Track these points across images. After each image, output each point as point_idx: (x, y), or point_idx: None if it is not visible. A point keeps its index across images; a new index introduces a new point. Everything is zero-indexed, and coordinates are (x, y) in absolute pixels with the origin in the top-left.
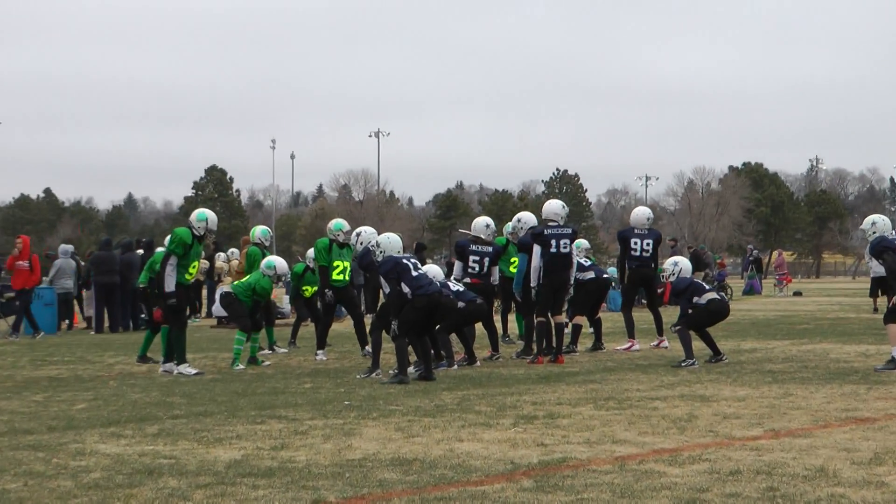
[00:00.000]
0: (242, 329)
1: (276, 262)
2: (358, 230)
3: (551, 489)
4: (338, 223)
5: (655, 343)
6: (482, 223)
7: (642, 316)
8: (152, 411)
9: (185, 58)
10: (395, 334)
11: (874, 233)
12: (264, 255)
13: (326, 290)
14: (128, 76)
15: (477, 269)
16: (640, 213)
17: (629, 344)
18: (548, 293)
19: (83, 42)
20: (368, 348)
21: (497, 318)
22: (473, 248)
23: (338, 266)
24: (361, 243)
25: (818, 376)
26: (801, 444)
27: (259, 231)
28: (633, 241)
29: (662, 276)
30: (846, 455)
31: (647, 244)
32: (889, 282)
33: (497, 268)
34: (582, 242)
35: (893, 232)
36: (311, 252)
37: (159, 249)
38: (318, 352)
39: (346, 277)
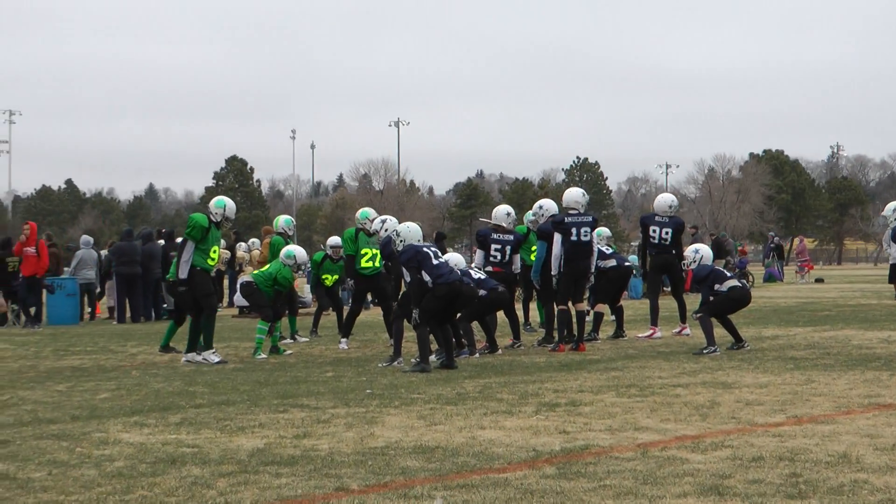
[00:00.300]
0: (264, 318)
1: (296, 251)
2: (384, 217)
3: (574, 476)
4: (364, 212)
5: (677, 330)
6: (503, 211)
7: (665, 303)
8: (175, 400)
9: (206, 48)
10: (417, 323)
11: (895, 220)
12: (287, 245)
13: (349, 280)
14: (149, 67)
15: (499, 257)
16: (663, 200)
17: (651, 332)
18: (569, 281)
19: (103, 33)
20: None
21: (518, 307)
22: (494, 236)
23: (366, 253)
24: (386, 230)
25: (840, 363)
26: (824, 430)
27: (282, 220)
28: (651, 228)
29: (683, 264)
30: (869, 441)
31: (666, 232)
32: None
33: (518, 256)
34: (603, 230)
35: None
36: (330, 240)
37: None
38: (342, 340)
39: (377, 265)
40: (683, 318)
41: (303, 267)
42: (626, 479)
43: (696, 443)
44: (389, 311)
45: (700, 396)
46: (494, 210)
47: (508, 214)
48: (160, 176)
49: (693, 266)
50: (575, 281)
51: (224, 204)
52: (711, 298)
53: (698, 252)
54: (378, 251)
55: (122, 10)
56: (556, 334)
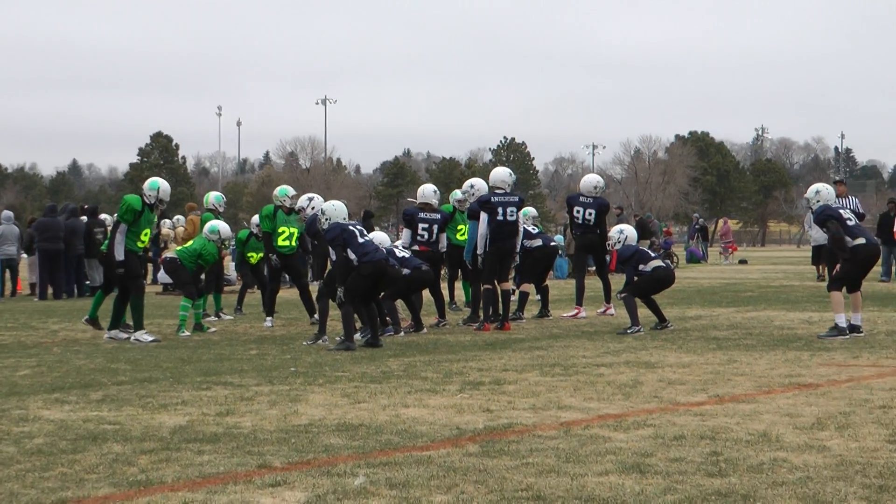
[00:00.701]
0: (187, 295)
1: (220, 226)
2: (310, 195)
3: (496, 454)
4: (283, 189)
5: (602, 310)
6: (430, 190)
7: (590, 283)
8: (97, 377)
9: (132, 23)
10: (342, 301)
11: (818, 201)
12: (277, 214)
13: (271, 255)
14: (74, 40)
15: (426, 236)
16: (588, 181)
17: (576, 311)
18: (494, 261)
19: (26, 4)
20: (316, 316)
21: (444, 286)
22: (422, 215)
23: (283, 232)
24: (313, 208)
25: (762, 343)
26: (745, 409)
27: (213, 197)
28: (576, 208)
29: (608, 245)
30: (789, 420)
31: (590, 213)
32: (833, 250)
33: (444, 235)
34: (529, 210)
35: (838, 200)
36: (255, 218)
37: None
38: (267, 318)
39: (293, 244)
40: (608, 298)
41: (227, 242)
42: (549, 457)
43: (619, 421)
44: (305, 289)
45: (623, 376)
46: (421, 188)
47: (435, 192)
48: (84, 152)
49: (618, 246)
50: (500, 260)
51: (158, 186)
52: (636, 279)
53: (623, 233)
54: (296, 230)
55: None
56: (481, 313)
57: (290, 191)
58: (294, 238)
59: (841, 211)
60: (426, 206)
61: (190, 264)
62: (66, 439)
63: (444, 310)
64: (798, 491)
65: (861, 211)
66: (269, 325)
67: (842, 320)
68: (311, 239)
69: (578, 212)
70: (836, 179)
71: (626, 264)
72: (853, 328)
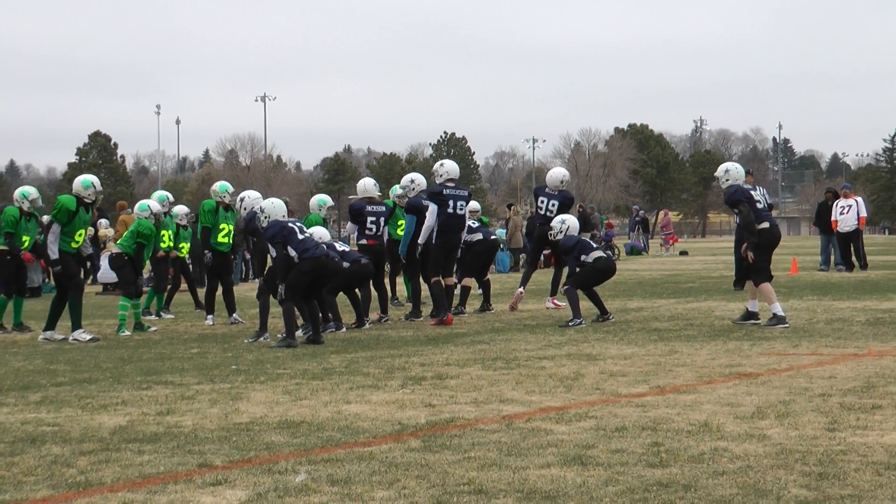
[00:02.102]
0: (126, 295)
1: (149, 202)
2: (242, 195)
3: (438, 448)
4: (222, 185)
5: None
6: (370, 183)
7: (535, 276)
8: (35, 379)
9: (69, 21)
10: (283, 298)
11: (727, 181)
12: (219, 210)
13: (206, 252)
14: (10, 39)
15: (374, 229)
16: (555, 175)
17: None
18: (440, 254)
19: None
20: (236, 315)
21: (386, 281)
22: (369, 208)
23: (223, 229)
24: (245, 208)
25: (703, 334)
26: (686, 399)
27: (157, 196)
28: (541, 198)
29: (550, 235)
30: (729, 410)
31: (553, 204)
32: (743, 235)
33: (387, 229)
34: (473, 204)
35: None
36: (181, 208)
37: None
38: (208, 316)
39: (230, 241)
40: (554, 292)
41: (161, 217)
42: (491, 450)
43: (561, 414)
44: (229, 287)
45: (565, 368)
46: (361, 182)
47: (376, 185)
48: (21, 152)
49: (560, 237)
50: (446, 254)
51: (91, 183)
52: (578, 269)
53: (565, 223)
54: (231, 227)
55: None
56: (424, 309)
57: (230, 187)
58: (231, 236)
59: (752, 193)
60: (372, 200)
61: (130, 249)
62: (3, 442)
63: (386, 305)
64: (739, 480)
65: (769, 202)
66: (211, 322)
67: (778, 309)
68: (250, 236)
69: (542, 202)
70: (745, 170)
71: (569, 254)
72: (751, 315)
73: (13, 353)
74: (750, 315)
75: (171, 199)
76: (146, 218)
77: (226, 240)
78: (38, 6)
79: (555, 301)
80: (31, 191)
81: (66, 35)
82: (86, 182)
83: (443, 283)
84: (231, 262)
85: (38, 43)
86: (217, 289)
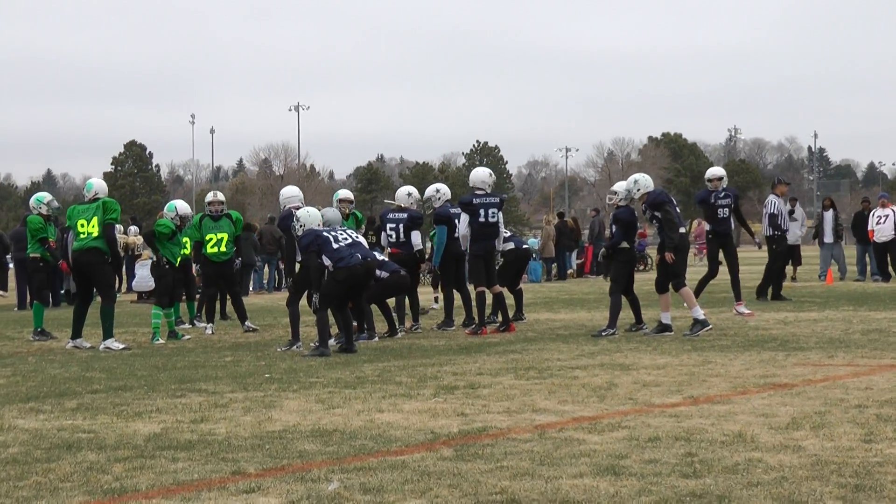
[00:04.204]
0: (159, 304)
1: (177, 203)
2: (437, 186)
3: (471, 458)
4: (208, 195)
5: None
6: (402, 192)
7: (569, 286)
8: (71, 386)
9: (105, 32)
10: (317, 307)
11: (639, 190)
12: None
13: (195, 265)
14: (47, 51)
15: (394, 237)
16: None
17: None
18: (478, 263)
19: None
20: (248, 323)
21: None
22: (390, 215)
23: (211, 239)
24: (439, 198)
25: (737, 344)
26: (720, 410)
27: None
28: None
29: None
30: (764, 420)
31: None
32: (664, 237)
33: (417, 235)
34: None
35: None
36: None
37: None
38: (207, 326)
39: (223, 249)
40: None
41: (188, 219)
42: (524, 460)
43: (594, 424)
44: (237, 297)
45: (598, 378)
46: (398, 191)
47: (409, 195)
48: (58, 161)
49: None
50: (485, 262)
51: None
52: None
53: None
54: (225, 235)
55: None
56: (458, 317)
57: (220, 195)
58: (224, 243)
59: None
60: (400, 208)
61: (169, 254)
62: (40, 448)
63: (418, 314)
64: (773, 491)
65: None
66: (210, 332)
67: (699, 313)
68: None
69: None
70: (778, 178)
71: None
72: (665, 327)
73: (49, 360)
74: (664, 327)
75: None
76: (169, 218)
77: (215, 249)
78: (74, 17)
79: (739, 308)
80: (44, 195)
81: (101, 45)
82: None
83: (487, 292)
84: (232, 271)
85: (74, 53)
86: (216, 297)
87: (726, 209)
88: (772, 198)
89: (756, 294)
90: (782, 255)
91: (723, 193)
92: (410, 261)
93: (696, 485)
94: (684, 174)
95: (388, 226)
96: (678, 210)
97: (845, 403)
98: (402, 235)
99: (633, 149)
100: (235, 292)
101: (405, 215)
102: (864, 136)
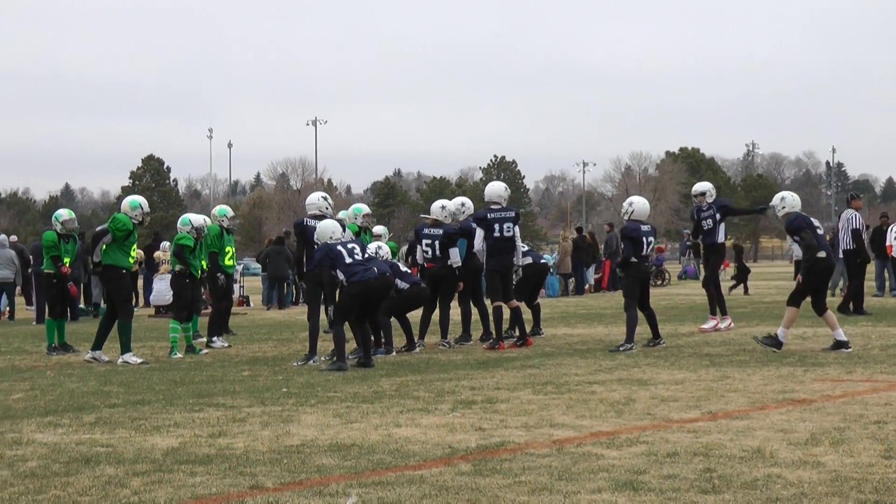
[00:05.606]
0: (176, 318)
1: (191, 216)
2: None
3: (489, 473)
4: (221, 209)
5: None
6: (436, 206)
7: (585, 300)
8: (89, 400)
9: (123, 47)
10: (332, 321)
11: (783, 208)
12: (223, 234)
13: (219, 274)
14: (65, 66)
15: (429, 252)
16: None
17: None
18: (495, 278)
19: (18, 31)
20: (218, 338)
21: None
22: (425, 231)
23: (229, 251)
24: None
25: (755, 359)
26: (738, 425)
27: (217, 211)
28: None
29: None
30: (783, 436)
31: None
32: (802, 261)
33: (456, 251)
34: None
35: (853, 214)
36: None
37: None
38: (217, 339)
39: (234, 263)
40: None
41: (203, 231)
42: (542, 475)
43: (612, 439)
44: (227, 310)
45: (616, 393)
46: (433, 205)
47: (443, 208)
48: (76, 176)
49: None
50: (501, 277)
51: (138, 204)
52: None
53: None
54: (232, 249)
55: (36, 9)
56: (494, 331)
57: (229, 211)
58: (231, 256)
59: (812, 220)
60: (436, 222)
61: (185, 264)
62: (59, 462)
63: (447, 330)
64: None
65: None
66: (223, 344)
67: (840, 335)
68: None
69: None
70: (853, 194)
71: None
72: (840, 343)
73: (68, 374)
74: (840, 344)
75: (231, 213)
76: (186, 232)
77: (231, 262)
78: (91, 31)
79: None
80: (63, 213)
81: (119, 59)
82: (133, 202)
83: (504, 308)
84: (231, 285)
85: (92, 67)
86: (229, 309)
87: (710, 220)
88: (851, 212)
89: (838, 309)
90: (863, 269)
91: (706, 206)
92: (447, 275)
93: (714, 500)
94: None
95: (424, 241)
96: (820, 232)
97: (864, 419)
98: (437, 251)
99: (651, 163)
100: (228, 306)
101: (441, 231)
102: (883, 151)
